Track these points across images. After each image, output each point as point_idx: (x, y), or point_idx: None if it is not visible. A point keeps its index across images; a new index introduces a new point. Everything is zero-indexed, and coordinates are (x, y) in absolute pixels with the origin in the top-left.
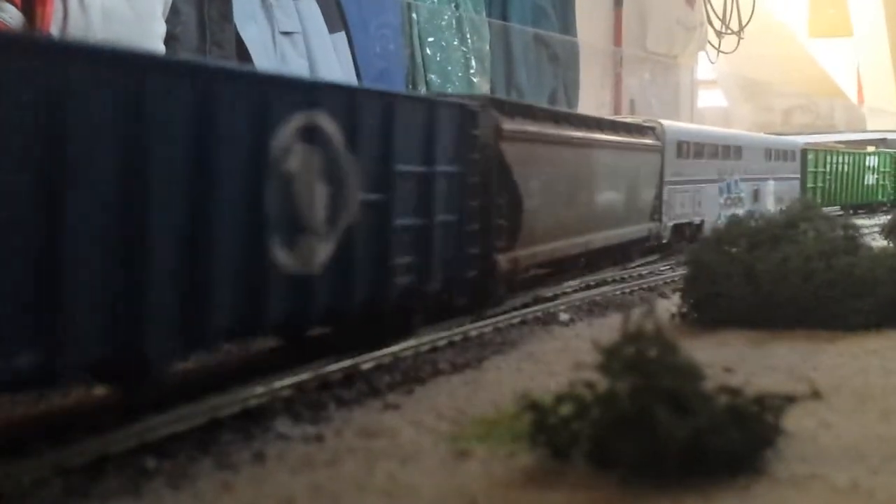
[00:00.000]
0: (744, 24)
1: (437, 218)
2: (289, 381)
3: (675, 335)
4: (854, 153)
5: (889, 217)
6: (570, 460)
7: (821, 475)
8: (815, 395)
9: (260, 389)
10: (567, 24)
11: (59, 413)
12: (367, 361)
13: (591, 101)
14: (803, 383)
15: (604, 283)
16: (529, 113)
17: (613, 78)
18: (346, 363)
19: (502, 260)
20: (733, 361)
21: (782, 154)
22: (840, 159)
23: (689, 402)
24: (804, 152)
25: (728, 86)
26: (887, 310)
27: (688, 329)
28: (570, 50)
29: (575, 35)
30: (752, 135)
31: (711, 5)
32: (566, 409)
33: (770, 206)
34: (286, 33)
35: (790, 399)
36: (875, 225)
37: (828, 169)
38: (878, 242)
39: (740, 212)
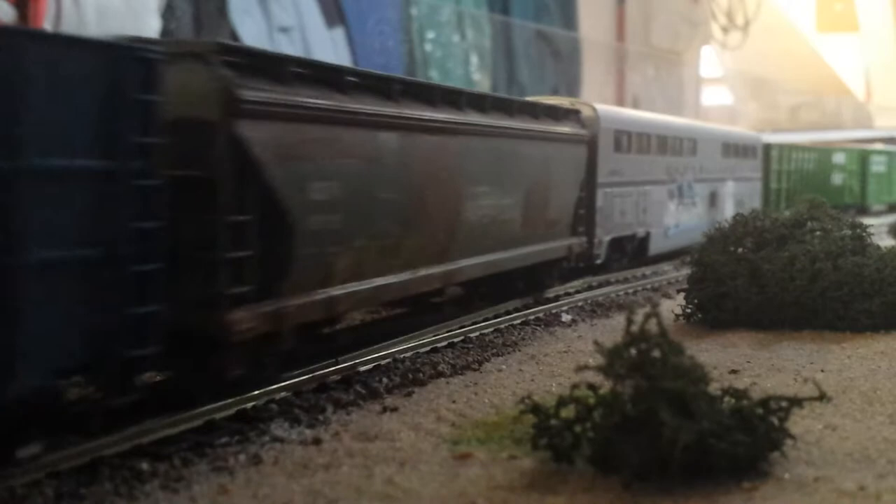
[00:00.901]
0: (750, 19)
1: (33, 255)
2: (285, 383)
3: (679, 336)
4: (820, 149)
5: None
6: (573, 464)
7: (827, 478)
8: (822, 397)
9: (256, 392)
10: (569, 19)
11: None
12: (365, 363)
13: (594, 97)
14: (810, 385)
15: (607, 283)
16: (307, 75)
17: (616, 74)
18: (344, 365)
19: (243, 318)
20: (739, 363)
21: (742, 150)
22: (806, 156)
23: (694, 405)
24: (767, 148)
25: (734, 83)
26: (895, 311)
27: (692, 330)
28: (573, 46)
29: (577, 31)
30: (706, 126)
31: (717, 0)
32: (568, 412)
33: (729, 212)
34: (283, 28)
35: (796, 401)
36: (883, 224)
37: (792, 167)
38: (886, 242)
39: (695, 221)
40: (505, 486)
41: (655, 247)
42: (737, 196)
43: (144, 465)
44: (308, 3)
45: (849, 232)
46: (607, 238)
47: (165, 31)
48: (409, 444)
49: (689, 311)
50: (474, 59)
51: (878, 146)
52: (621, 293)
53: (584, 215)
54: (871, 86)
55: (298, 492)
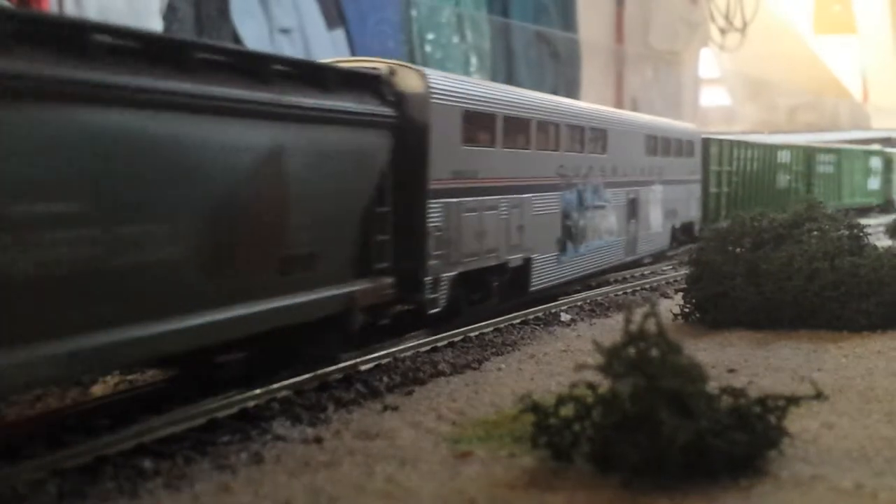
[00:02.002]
0: (748, 21)
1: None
2: (287, 382)
3: (677, 335)
4: (765, 146)
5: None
6: (572, 462)
7: (824, 477)
8: (819, 396)
9: (258, 390)
10: (568, 21)
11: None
12: (366, 362)
13: (593, 98)
14: (807, 384)
15: (605, 283)
16: None
17: (615, 75)
18: (345, 364)
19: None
20: (737, 362)
21: (675, 146)
22: (749, 154)
23: (692, 404)
24: (706, 144)
25: (732, 84)
26: (892, 310)
27: (691, 329)
28: (572, 47)
29: (576, 32)
30: (622, 114)
31: (715, 2)
32: (567, 411)
33: (657, 225)
34: (284, 30)
35: (794, 400)
36: (880, 224)
37: (734, 167)
38: (883, 242)
39: (608, 238)
40: (505, 484)
41: (543, 277)
42: (668, 203)
43: (147, 464)
44: (309, 4)
45: (846, 232)
46: (450, 273)
47: (167, 32)
48: (410, 442)
49: (687, 310)
50: (474, 61)
51: (875, 147)
52: (620, 293)
53: (394, 242)
54: (868, 87)
55: (300, 490)
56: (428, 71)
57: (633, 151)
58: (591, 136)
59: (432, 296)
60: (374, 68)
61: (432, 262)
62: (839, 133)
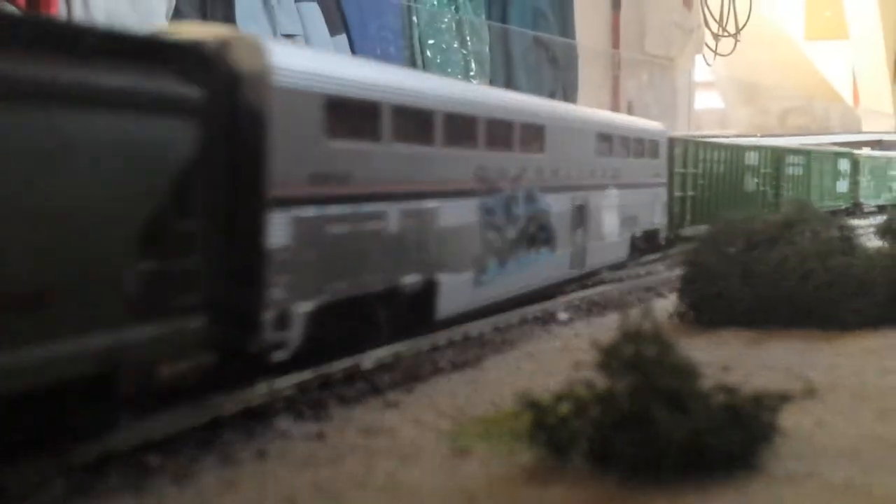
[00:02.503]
0: (741, 26)
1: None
2: (291, 379)
3: (672, 335)
4: (732, 147)
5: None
6: (570, 458)
7: (816, 473)
8: (812, 394)
9: (262, 388)
10: (566, 26)
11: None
12: (367, 360)
13: (590, 102)
14: (800, 382)
15: (601, 282)
16: None
17: (611, 80)
18: (347, 363)
19: None
20: (731, 361)
21: (637, 146)
22: (715, 156)
23: (687, 401)
24: (671, 143)
25: (725, 88)
26: (884, 309)
27: (685, 329)
28: (569, 52)
29: (574, 38)
30: (570, 108)
31: (709, 8)
32: (565, 408)
33: (612, 234)
34: (287, 35)
35: (787, 398)
36: (870, 225)
37: (700, 169)
38: (874, 243)
39: (546, 254)
40: (504, 480)
41: (454, 302)
42: (627, 209)
43: (153, 460)
44: (312, 10)
45: (838, 233)
46: (306, 305)
47: None
48: (411, 439)
49: (682, 310)
50: (473, 66)
51: (866, 150)
52: (617, 293)
53: (211, 267)
54: (859, 91)
55: (303, 485)
56: (275, 44)
57: (581, 151)
58: (523, 132)
59: (278, 336)
60: (197, 38)
61: (276, 292)
62: (830, 136)
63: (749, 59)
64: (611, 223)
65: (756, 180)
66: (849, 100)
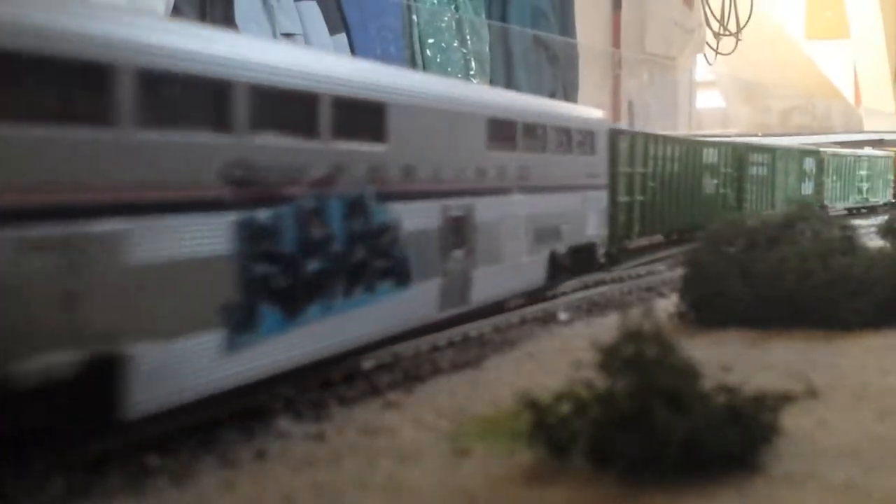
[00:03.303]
0: (741, 25)
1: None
2: (290, 379)
3: (673, 335)
4: (688, 142)
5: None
6: (569, 458)
7: (816, 473)
8: (812, 394)
9: (262, 388)
10: (566, 26)
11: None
12: (367, 360)
13: (590, 102)
14: (800, 382)
15: (602, 283)
16: None
17: (612, 79)
18: (347, 362)
19: None
20: (731, 361)
21: (559, 138)
22: (669, 152)
23: (687, 401)
24: (614, 137)
25: (726, 87)
26: (884, 309)
27: (686, 328)
28: (570, 52)
29: (574, 37)
30: (437, 81)
31: (710, 7)
32: (565, 408)
33: (516, 254)
34: (287, 34)
35: (787, 398)
36: (872, 225)
37: (650, 169)
38: (875, 242)
39: (377, 290)
40: (503, 479)
41: (171, 387)
42: (542, 221)
43: (152, 460)
44: (311, 9)
45: (838, 233)
46: None
47: None
48: (411, 439)
49: (682, 309)
50: (473, 65)
51: (867, 149)
52: (617, 292)
53: None
54: (860, 90)
55: (303, 485)
56: None
57: (459, 142)
58: (338, 113)
59: None
60: None
61: None
62: (832, 135)
63: (750, 58)
64: (515, 240)
65: (715, 181)
66: (850, 99)
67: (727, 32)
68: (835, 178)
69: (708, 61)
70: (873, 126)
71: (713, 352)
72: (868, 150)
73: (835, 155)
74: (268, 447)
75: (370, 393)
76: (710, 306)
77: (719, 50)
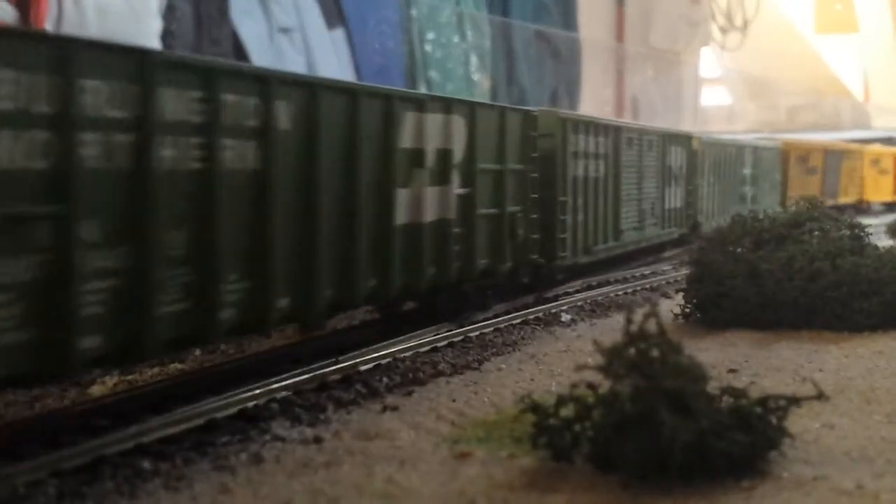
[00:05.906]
0: (749, 20)
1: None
2: (286, 382)
3: (678, 336)
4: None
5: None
6: (572, 462)
7: (825, 478)
8: (820, 396)
9: (257, 391)
10: (569, 20)
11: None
12: (365, 363)
13: (593, 98)
14: (808, 385)
15: (606, 283)
16: None
17: (615, 75)
18: (345, 364)
19: None
20: (737, 362)
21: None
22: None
23: (693, 404)
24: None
25: (732, 83)
26: (894, 310)
27: (691, 329)
28: (572, 46)
29: (577, 31)
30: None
31: (716, 0)
32: (568, 411)
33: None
34: (284, 30)
35: (795, 401)
36: (881, 224)
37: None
38: (885, 242)
39: None
40: (504, 484)
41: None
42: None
43: (146, 464)
44: (309, 3)
45: (847, 232)
46: None
47: (167, 32)
48: (410, 442)
49: (688, 310)
50: (474, 60)
51: (876, 146)
52: (620, 293)
53: None
54: (869, 86)
55: (299, 490)
56: None
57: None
58: None
59: None
60: None
61: None
62: (840, 133)
63: (757, 53)
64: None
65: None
66: (859, 96)
67: (733, 27)
68: (711, 180)
69: (714, 56)
70: (882, 124)
71: (719, 353)
72: (751, 139)
73: (713, 144)
74: (263, 451)
75: (368, 395)
76: (716, 307)
77: (725, 45)
